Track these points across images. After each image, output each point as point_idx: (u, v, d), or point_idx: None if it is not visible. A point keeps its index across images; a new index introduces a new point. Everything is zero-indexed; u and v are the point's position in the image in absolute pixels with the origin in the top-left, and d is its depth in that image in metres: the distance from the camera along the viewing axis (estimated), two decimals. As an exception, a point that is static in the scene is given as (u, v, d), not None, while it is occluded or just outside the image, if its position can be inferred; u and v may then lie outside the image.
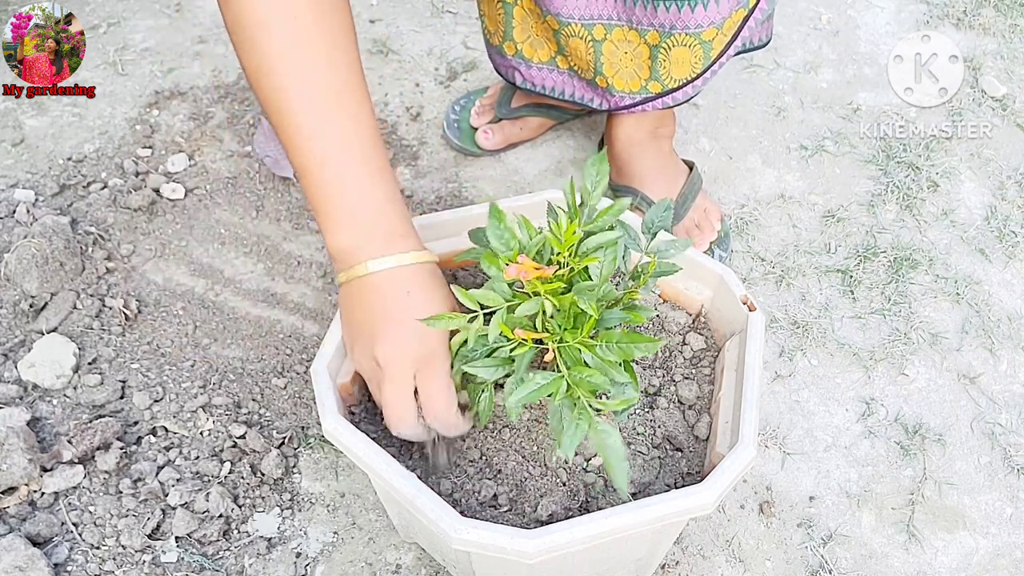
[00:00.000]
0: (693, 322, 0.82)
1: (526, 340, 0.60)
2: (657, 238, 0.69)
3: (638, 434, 0.74)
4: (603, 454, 0.60)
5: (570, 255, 0.62)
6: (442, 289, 0.69)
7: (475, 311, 0.61)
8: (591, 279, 0.63)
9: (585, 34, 0.94)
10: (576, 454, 0.72)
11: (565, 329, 0.61)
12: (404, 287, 0.67)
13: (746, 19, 0.92)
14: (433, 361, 0.66)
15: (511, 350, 0.62)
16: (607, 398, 0.64)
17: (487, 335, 0.60)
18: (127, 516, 0.83)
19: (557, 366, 0.61)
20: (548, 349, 0.61)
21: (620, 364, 0.61)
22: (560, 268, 0.62)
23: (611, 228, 0.65)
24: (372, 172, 0.68)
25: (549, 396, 0.60)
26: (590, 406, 0.60)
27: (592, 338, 0.61)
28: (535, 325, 0.61)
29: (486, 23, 1.04)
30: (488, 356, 0.64)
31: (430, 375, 0.66)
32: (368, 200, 0.68)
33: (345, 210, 0.68)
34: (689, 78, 0.96)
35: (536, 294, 0.60)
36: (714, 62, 0.95)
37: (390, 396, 0.67)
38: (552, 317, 0.61)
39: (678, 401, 0.76)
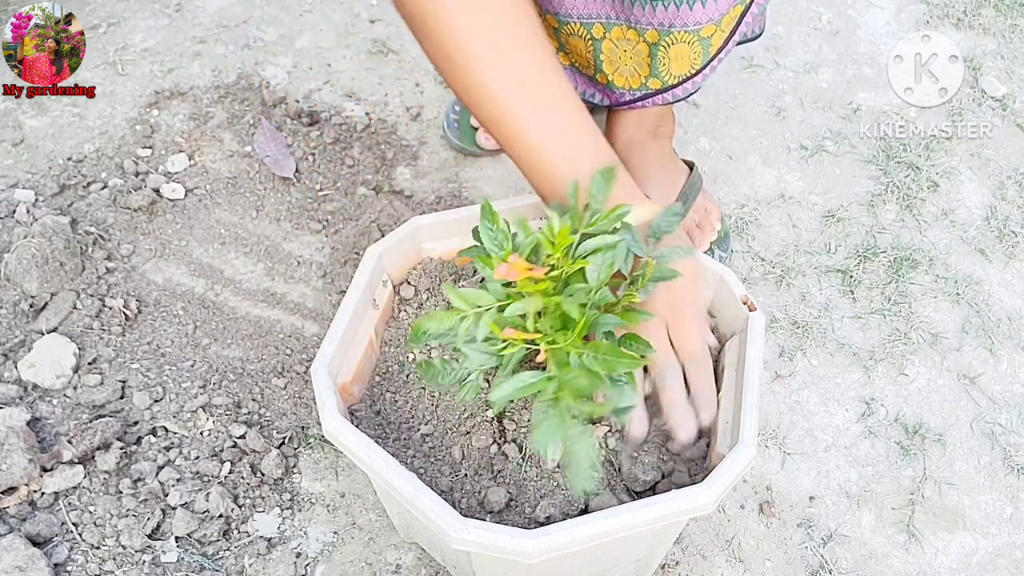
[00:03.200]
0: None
1: (516, 340, 0.60)
2: (660, 242, 0.68)
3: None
4: (568, 457, 0.60)
5: (564, 257, 0.62)
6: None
7: (466, 311, 0.60)
8: (587, 282, 0.63)
9: (584, 32, 0.94)
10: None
11: (555, 330, 0.61)
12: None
13: (743, 14, 0.92)
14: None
15: (501, 349, 0.62)
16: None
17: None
18: (127, 516, 0.83)
19: (548, 366, 0.61)
20: (540, 350, 0.61)
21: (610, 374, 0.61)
22: (553, 269, 0.62)
23: (614, 231, 0.65)
24: (583, 129, 0.73)
25: (535, 395, 0.60)
26: (580, 409, 0.60)
27: (587, 339, 0.61)
28: (526, 325, 0.61)
29: None
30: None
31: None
32: (586, 156, 0.72)
33: (570, 171, 0.71)
34: (689, 74, 0.96)
35: (526, 294, 0.60)
36: (713, 58, 0.95)
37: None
38: (543, 318, 0.61)
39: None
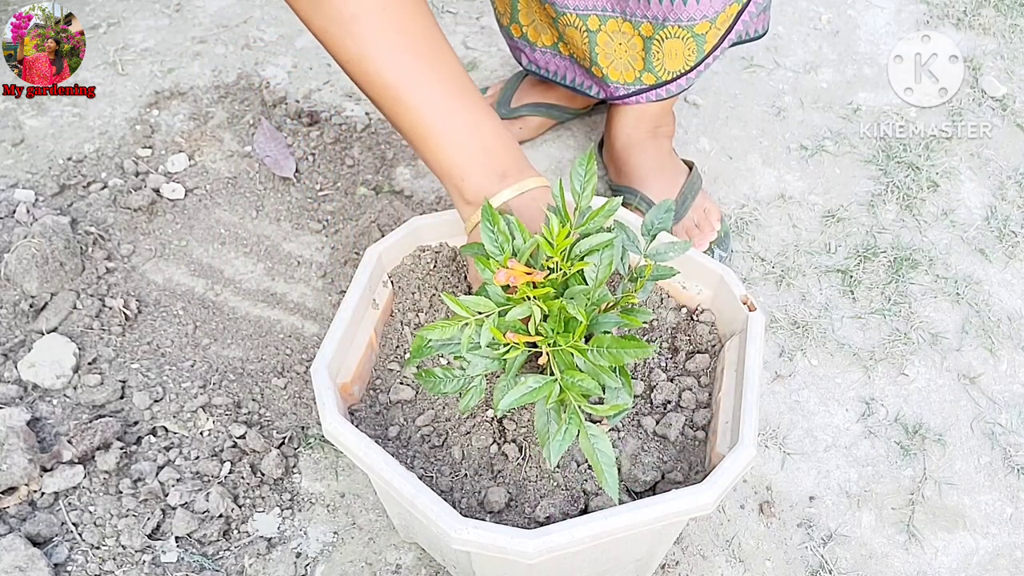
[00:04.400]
0: (690, 320, 0.82)
1: (518, 344, 0.60)
2: (657, 240, 0.68)
3: (639, 434, 0.74)
4: (593, 460, 0.60)
5: (563, 259, 0.62)
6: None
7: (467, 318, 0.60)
8: (586, 283, 0.63)
9: (580, 24, 0.95)
10: (578, 464, 0.72)
11: (557, 333, 0.61)
12: (539, 206, 0.71)
13: (740, 14, 0.92)
14: None
15: (503, 353, 0.62)
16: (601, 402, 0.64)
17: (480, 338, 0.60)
18: (127, 516, 0.83)
19: (551, 369, 0.61)
20: (542, 352, 0.61)
21: (614, 369, 0.61)
22: (552, 272, 0.62)
23: (609, 229, 0.65)
24: (487, 118, 0.74)
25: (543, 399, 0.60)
26: (581, 410, 0.60)
27: (586, 341, 0.61)
28: (528, 329, 0.61)
29: (496, 3, 1.05)
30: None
31: None
32: (492, 142, 0.73)
33: (475, 158, 0.73)
34: (683, 70, 0.97)
35: (527, 298, 0.60)
36: (708, 55, 0.95)
37: None
38: (545, 320, 0.61)
39: (678, 402, 0.76)
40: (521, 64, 1.09)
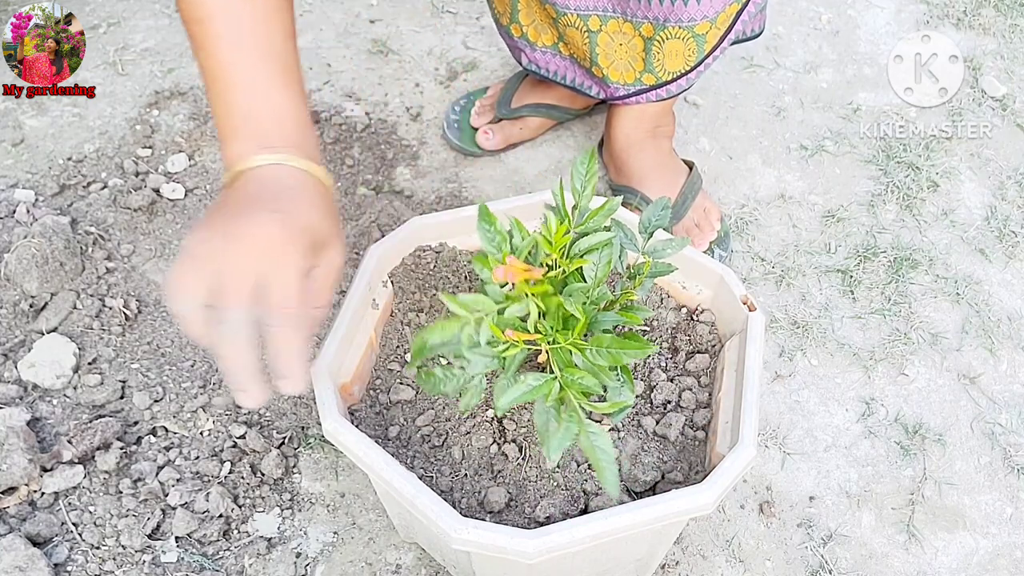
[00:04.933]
0: (690, 320, 0.82)
1: (517, 341, 0.60)
2: (654, 237, 0.68)
3: (639, 434, 0.74)
4: (593, 458, 0.59)
5: (561, 257, 0.62)
6: (325, 203, 0.63)
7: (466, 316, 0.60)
8: (585, 280, 0.63)
9: (581, 24, 0.95)
10: (578, 464, 0.72)
11: (556, 331, 0.61)
12: (287, 182, 0.61)
13: (739, 13, 0.93)
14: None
15: (502, 351, 0.62)
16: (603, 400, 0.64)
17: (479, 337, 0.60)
18: (127, 516, 0.83)
19: (550, 367, 0.61)
20: (541, 350, 0.61)
21: (615, 368, 0.61)
22: (550, 270, 0.62)
23: (607, 228, 0.64)
24: (280, 84, 0.65)
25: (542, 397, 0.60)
26: (581, 408, 0.60)
27: (585, 339, 0.61)
28: (527, 326, 0.61)
29: (495, 3, 1.05)
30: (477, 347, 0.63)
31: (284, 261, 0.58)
32: (270, 111, 0.65)
33: (242, 117, 0.64)
34: (683, 71, 0.97)
35: (525, 295, 0.60)
36: (708, 55, 0.95)
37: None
38: (544, 318, 0.61)
39: (678, 402, 0.76)
40: (521, 64, 1.09)
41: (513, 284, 0.60)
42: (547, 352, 0.61)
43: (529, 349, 0.62)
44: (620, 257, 0.67)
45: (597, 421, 0.73)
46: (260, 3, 0.65)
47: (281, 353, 0.59)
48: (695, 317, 0.81)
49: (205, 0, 0.63)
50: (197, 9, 0.64)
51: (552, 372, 0.61)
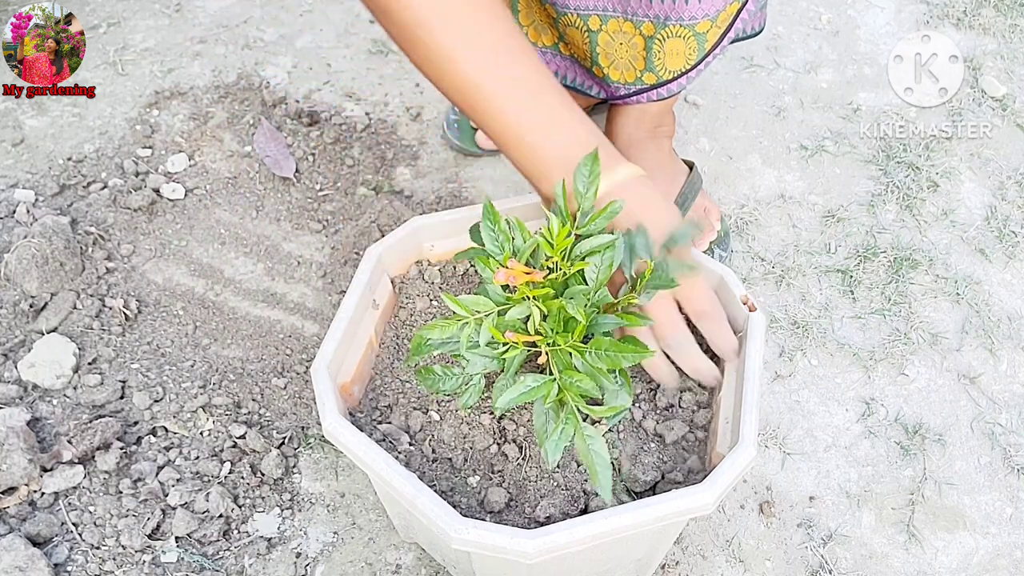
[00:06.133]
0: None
1: (517, 343, 0.60)
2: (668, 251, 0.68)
3: (639, 435, 0.74)
4: (587, 461, 0.60)
5: (563, 259, 0.62)
6: (660, 199, 0.72)
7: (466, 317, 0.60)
8: (586, 283, 0.63)
9: (581, 24, 0.95)
10: (578, 464, 0.72)
11: (556, 333, 0.61)
12: (638, 195, 0.70)
13: (739, 11, 0.93)
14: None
15: (502, 352, 0.62)
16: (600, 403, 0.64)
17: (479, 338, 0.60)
18: (127, 516, 0.83)
19: (549, 369, 0.61)
20: (541, 352, 0.61)
21: (613, 372, 0.61)
22: (551, 272, 0.62)
23: (628, 232, 0.64)
24: (569, 115, 0.72)
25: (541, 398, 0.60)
26: (579, 411, 0.60)
27: (584, 342, 0.61)
28: (527, 328, 0.61)
29: None
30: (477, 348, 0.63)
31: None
32: (577, 141, 0.71)
33: (563, 160, 0.70)
34: (684, 69, 0.97)
35: (526, 298, 0.60)
36: (708, 54, 0.95)
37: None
38: (544, 320, 0.61)
39: (679, 402, 0.76)
40: None
41: (514, 287, 0.60)
42: (546, 354, 0.61)
43: (528, 351, 0.62)
44: (631, 261, 0.67)
45: (595, 423, 0.73)
46: (503, 39, 0.71)
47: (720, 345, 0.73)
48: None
49: (465, 65, 0.69)
50: (464, 74, 0.70)
51: (551, 374, 0.61)
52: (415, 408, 0.76)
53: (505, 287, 0.62)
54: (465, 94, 0.71)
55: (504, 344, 0.61)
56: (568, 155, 0.70)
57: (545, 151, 0.71)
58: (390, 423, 0.76)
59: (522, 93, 0.71)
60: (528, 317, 0.60)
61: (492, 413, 0.74)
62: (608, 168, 0.71)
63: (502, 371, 0.64)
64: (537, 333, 0.61)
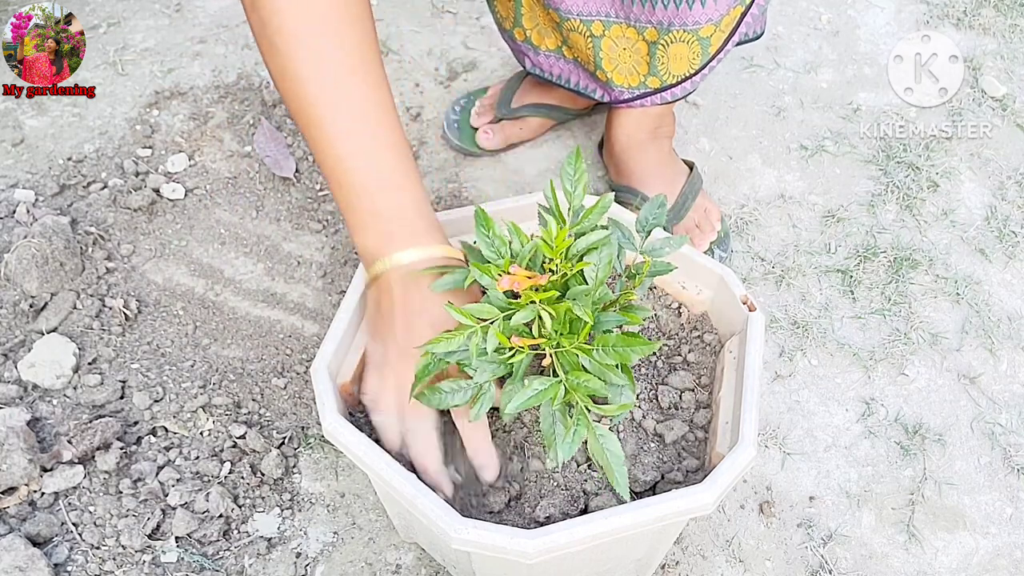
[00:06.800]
0: (692, 322, 0.82)
1: (523, 347, 0.60)
2: (652, 236, 0.68)
3: (639, 435, 0.74)
4: (603, 460, 0.60)
5: (563, 259, 0.62)
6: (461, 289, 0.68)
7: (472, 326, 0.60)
8: (586, 282, 0.63)
9: (584, 30, 0.95)
10: (578, 464, 0.72)
11: (561, 334, 0.61)
12: (424, 282, 0.68)
13: (743, 16, 0.92)
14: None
15: (509, 357, 0.62)
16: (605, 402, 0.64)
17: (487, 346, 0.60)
18: (127, 516, 0.83)
19: (555, 371, 0.61)
20: (546, 354, 0.61)
21: (618, 367, 0.61)
22: (554, 275, 0.62)
23: (603, 228, 0.64)
24: (396, 177, 0.70)
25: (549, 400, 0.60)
26: (588, 411, 0.60)
27: (588, 342, 0.61)
28: (532, 332, 0.61)
29: (497, 7, 1.05)
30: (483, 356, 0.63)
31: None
32: (392, 202, 0.70)
33: (369, 212, 0.70)
34: (688, 74, 0.97)
35: (532, 302, 0.60)
36: (712, 58, 0.95)
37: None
38: (548, 322, 0.61)
39: (679, 403, 0.76)
40: (524, 67, 1.09)
41: (518, 293, 0.60)
42: (551, 356, 0.61)
43: (533, 353, 0.62)
44: (619, 257, 0.67)
45: (596, 422, 0.73)
46: (361, 78, 0.69)
47: (473, 446, 0.69)
48: (695, 318, 0.81)
49: (305, 78, 0.68)
50: (298, 87, 0.68)
51: (557, 376, 0.61)
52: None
53: (508, 293, 0.62)
54: (301, 114, 0.69)
55: (510, 349, 0.61)
56: (386, 220, 0.69)
57: (362, 205, 0.69)
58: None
59: (359, 136, 0.69)
60: (533, 320, 0.60)
61: (505, 420, 0.74)
62: (420, 241, 0.68)
63: (506, 376, 0.64)
64: (541, 336, 0.61)
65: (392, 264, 0.68)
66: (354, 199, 0.69)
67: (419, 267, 0.68)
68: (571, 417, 0.60)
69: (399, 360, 0.68)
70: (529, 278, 0.59)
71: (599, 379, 0.60)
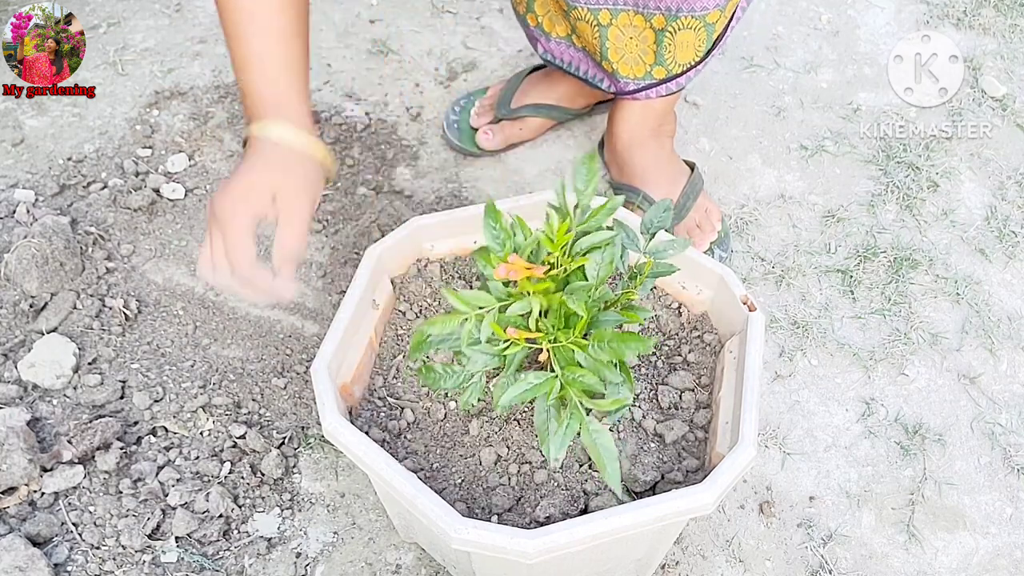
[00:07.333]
0: (692, 322, 0.82)
1: (518, 339, 0.60)
2: (656, 238, 0.68)
3: (639, 434, 0.74)
4: (595, 455, 0.60)
5: (563, 255, 0.62)
6: (303, 165, 0.76)
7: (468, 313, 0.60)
8: (587, 279, 0.63)
9: (591, 18, 0.95)
10: (580, 464, 0.72)
11: (558, 329, 0.61)
12: (268, 150, 0.75)
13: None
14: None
15: (503, 349, 0.62)
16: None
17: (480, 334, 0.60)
18: (127, 516, 0.83)
19: (551, 366, 0.61)
20: (542, 349, 0.61)
21: (615, 364, 0.61)
22: (552, 268, 0.62)
23: (608, 228, 0.64)
24: (287, 72, 0.80)
25: (543, 395, 0.60)
26: (582, 405, 0.60)
27: (585, 338, 0.61)
28: (528, 324, 0.61)
29: None
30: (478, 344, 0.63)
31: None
32: (277, 95, 0.79)
33: (257, 96, 0.79)
34: (692, 62, 0.98)
35: (528, 293, 0.60)
36: (715, 45, 0.96)
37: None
38: (545, 316, 0.61)
39: (679, 402, 0.76)
40: (537, 52, 1.10)
41: (515, 282, 0.60)
42: (548, 350, 0.61)
43: (530, 348, 0.62)
44: (622, 257, 0.67)
45: (597, 420, 0.73)
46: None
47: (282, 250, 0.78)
48: (695, 318, 0.81)
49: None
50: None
51: (553, 371, 0.61)
52: (415, 407, 0.76)
53: (506, 283, 0.62)
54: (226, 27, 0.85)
55: (505, 341, 0.61)
56: (264, 95, 0.79)
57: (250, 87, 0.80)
58: (390, 422, 0.76)
59: (260, 49, 0.82)
60: (529, 313, 0.60)
61: (499, 414, 0.74)
62: (271, 119, 0.76)
63: (500, 369, 0.64)
64: (538, 330, 0.61)
65: (258, 132, 0.77)
66: (252, 85, 0.81)
67: (274, 138, 0.76)
68: (564, 412, 0.60)
69: (222, 187, 0.76)
70: (527, 268, 0.59)
71: (595, 375, 0.60)
